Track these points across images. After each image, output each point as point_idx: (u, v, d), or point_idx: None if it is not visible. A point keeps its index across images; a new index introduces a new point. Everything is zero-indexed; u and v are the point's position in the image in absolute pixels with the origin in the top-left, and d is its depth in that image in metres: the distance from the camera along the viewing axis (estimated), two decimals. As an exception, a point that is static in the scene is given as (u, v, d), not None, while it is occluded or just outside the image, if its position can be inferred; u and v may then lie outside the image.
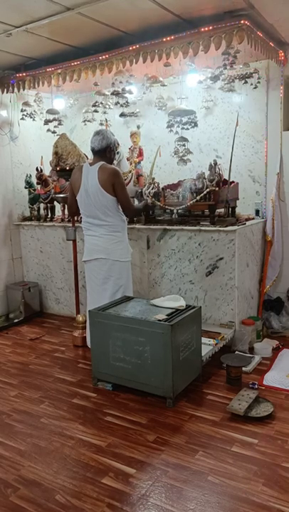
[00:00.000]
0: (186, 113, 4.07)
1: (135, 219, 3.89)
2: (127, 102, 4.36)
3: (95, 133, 3.26)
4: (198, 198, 3.50)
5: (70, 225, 3.96)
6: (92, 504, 1.92)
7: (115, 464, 2.18)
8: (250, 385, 2.86)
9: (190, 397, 2.82)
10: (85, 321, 3.68)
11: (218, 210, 3.58)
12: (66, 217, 4.47)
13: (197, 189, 3.51)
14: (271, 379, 2.98)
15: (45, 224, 4.59)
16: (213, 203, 3.49)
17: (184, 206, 3.61)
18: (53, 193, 4.48)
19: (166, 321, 2.67)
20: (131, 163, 4.10)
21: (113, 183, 3.11)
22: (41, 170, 4.48)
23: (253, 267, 3.81)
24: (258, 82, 3.76)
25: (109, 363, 2.89)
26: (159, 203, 3.72)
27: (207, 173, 3.55)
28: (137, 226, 3.83)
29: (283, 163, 3.93)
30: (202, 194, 3.48)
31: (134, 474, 2.11)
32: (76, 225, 3.87)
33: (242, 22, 3.01)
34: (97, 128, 4.04)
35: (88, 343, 3.40)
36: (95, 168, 3.14)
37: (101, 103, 4.58)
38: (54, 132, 4.69)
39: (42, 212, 4.74)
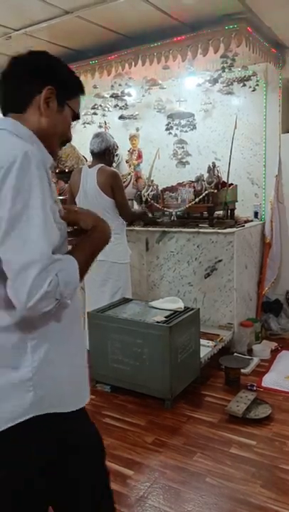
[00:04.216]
0: (184, 115, 4.08)
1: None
2: (126, 104, 4.38)
3: (94, 135, 3.27)
4: (196, 200, 3.52)
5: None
6: (90, 505, 1.92)
7: (113, 466, 2.18)
8: (249, 387, 2.86)
9: (188, 398, 2.82)
10: (84, 323, 3.68)
11: (216, 212, 3.59)
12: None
13: (196, 191, 3.52)
14: (270, 381, 2.99)
15: (44, 226, 4.59)
16: (211, 205, 3.50)
17: (182, 208, 3.62)
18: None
19: (164, 323, 2.68)
20: (130, 166, 4.11)
21: (112, 185, 3.12)
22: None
23: (252, 269, 3.82)
24: (257, 85, 3.76)
25: (107, 364, 2.89)
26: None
27: (206, 175, 3.56)
28: (136, 228, 3.83)
29: (282, 166, 3.94)
30: (201, 196, 3.50)
31: (132, 476, 2.11)
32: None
33: (240, 25, 3.03)
34: (97, 130, 4.05)
35: (87, 345, 3.40)
36: (94, 171, 3.15)
37: (100, 105, 4.59)
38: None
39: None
